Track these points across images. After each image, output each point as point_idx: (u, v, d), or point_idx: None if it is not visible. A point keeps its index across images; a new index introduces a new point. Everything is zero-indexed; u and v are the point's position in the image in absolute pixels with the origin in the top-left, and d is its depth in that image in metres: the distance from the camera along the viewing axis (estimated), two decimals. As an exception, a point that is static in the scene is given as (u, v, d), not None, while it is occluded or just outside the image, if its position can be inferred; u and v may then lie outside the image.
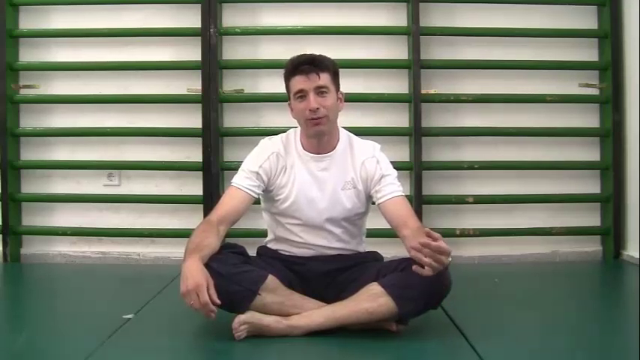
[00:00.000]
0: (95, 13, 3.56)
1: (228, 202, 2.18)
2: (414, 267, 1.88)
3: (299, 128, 2.26)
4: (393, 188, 2.19)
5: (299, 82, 2.14)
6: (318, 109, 2.12)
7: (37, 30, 3.57)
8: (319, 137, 2.20)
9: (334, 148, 2.24)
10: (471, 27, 3.53)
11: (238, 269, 2.02)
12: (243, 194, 2.18)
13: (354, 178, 2.22)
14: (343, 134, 2.28)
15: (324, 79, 2.14)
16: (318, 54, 2.19)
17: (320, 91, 2.14)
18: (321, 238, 2.24)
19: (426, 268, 1.86)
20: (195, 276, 1.90)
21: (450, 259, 1.91)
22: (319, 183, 2.22)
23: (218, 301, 1.90)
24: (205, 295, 1.88)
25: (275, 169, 2.21)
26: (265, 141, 2.28)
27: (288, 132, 2.30)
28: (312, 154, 2.23)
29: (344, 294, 2.11)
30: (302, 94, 2.14)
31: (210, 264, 1.99)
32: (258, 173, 2.19)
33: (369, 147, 2.27)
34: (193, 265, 1.93)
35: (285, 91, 2.24)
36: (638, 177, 3.33)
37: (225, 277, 1.98)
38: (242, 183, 2.19)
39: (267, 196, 2.26)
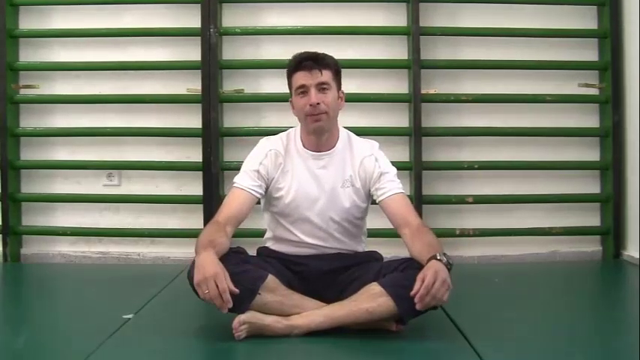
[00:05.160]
0: (95, 13, 3.56)
1: (232, 202, 2.18)
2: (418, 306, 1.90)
3: (299, 126, 2.28)
4: (392, 185, 2.20)
5: (301, 78, 2.16)
6: (318, 104, 2.14)
7: (37, 30, 3.57)
8: (319, 134, 2.21)
9: (334, 146, 2.25)
10: (471, 27, 3.54)
11: (238, 268, 2.01)
12: (246, 194, 2.18)
13: (353, 176, 2.23)
14: (343, 133, 2.30)
15: (326, 75, 2.17)
16: (321, 52, 2.21)
17: (321, 87, 2.16)
18: (320, 237, 2.24)
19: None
20: (213, 265, 1.90)
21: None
22: (318, 181, 2.22)
23: (236, 290, 1.89)
24: (224, 283, 1.87)
25: (274, 165, 2.22)
26: (264, 140, 2.30)
27: (288, 131, 2.31)
28: (311, 152, 2.24)
29: (344, 294, 2.11)
30: (303, 90, 2.16)
31: None
32: (258, 171, 2.21)
33: (368, 145, 2.28)
34: (209, 257, 1.93)
35: (287, 90, 2.25)
36: (638, 177, 3.33)
37: (226, 276, 1.99)
38: (244, 183, 2.20)
39: (267, 195, 2.26)
